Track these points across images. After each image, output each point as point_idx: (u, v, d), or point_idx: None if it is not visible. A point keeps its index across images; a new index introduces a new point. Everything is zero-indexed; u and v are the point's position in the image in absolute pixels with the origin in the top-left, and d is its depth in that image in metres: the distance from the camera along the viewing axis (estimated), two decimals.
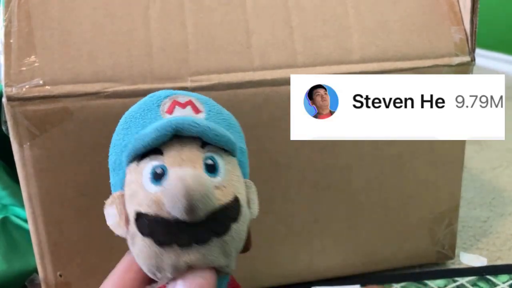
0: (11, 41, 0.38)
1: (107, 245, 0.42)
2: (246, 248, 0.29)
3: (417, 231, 0.51)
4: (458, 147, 0.49)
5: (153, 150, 0.26)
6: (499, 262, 0.54)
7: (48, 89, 0.38)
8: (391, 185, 0.48)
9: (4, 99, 0.38)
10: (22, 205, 0.49)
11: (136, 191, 0.26)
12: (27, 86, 0.38)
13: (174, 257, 0.25)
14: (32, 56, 0.38)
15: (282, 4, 0.43)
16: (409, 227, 0.50)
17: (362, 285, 0.50)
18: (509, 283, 0.50)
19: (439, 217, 0.51)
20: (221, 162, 0.27)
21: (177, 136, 0.26)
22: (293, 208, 0.47)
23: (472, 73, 0.46)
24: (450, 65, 0.46)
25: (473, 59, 0.46)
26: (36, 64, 0.38)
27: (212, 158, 0.27)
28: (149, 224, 0.25)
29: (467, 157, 0.50)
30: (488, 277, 0.51)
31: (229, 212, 0.26)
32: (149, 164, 0.26)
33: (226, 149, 0.28)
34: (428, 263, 0.53)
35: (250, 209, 0.29)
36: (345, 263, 0.50)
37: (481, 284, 0.50)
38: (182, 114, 0.28)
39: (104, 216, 0.41)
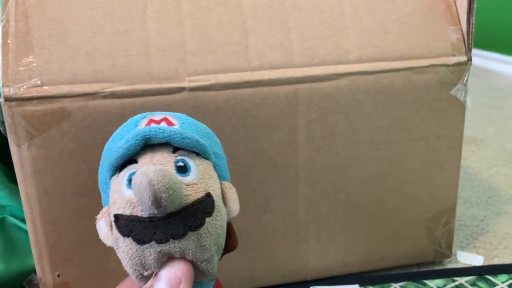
0: (9, 41, 0.38)
1: (105, 245, 0.42)
2: (232, 247, 0.30)
3: (415, 230, 0.51)
4: (454, 146, 0.49)
5: (129, 161, 0.28)
6: (496, 261, 0.55)
7: (46, 89, 0.38)
8: (388, 184, 0.48)
9: (1, 100, 0.38)
10: (20, 206, 0.49)
11: (116, 198, 0.28)
12: (25, 87, 0.38)
13: (154, 254, 0.27)
14: (30, 56, 0.38)
15: (279, 4, 0.43)
16: (406, 226, 0.51)
17: (361, 284, 0.50)
18: (508, 283, 0.50)
19: (436, 216, 0.51)
20: (193, 163, 0.28)
21: (150, 146, 0.28)
22: (290, 208, 0.47)
23: (468, 73, 0.47)
24: (447, 65, 0.46)
25: (469, 59, 0.46)
26: (34, 64, 0.38)
27: (183, 161, 0.28)
28: (126, 224, 0.27)
29: (463, 157, 0.50)
30: (487, 276, 0.51)
31: (202, 207, 0.27)
32: (126, 173, 0.28)
33: (199, 153, 0.29)
34: (426, 262, 0.54)
35: (230, 207, 0.30)
36: (342, 262, 0.50)
37: (480, 283, 0.50)
38: None
39: None
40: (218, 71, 0.41)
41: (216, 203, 0.28)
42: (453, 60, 0.46)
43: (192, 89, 0.40)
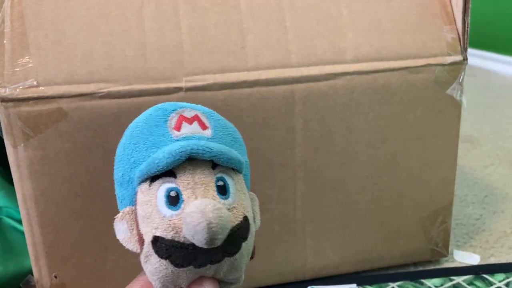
0: (5, 41, 0.38)
1: (103, 246, 0.42)
2: (250, 257, 0.30)
3: (411, 229, 0.51)
4: (451, 145, 0.49)
5: (165, 171, 0.27)
6: (492, 260, 0.55)
7: (42, 90, 0.38)
8: (385, 184, 0.49)
9: None
10: (16, 207, 0.49)
11: (151, 213, 0.27)
12: (21, 87, 0.38)
13: (190, 275, 0.27)
14: (26, 57, 0.38)
15: (276, 4, 0.43)
16: (403, 226, 0.51)
17: (358, 284, 0.50)
18: (505, 282, 0.50)
19: (433, 215, 0.51)
20: (231, 182, 0.28)
21: (189, 158, 0.27)
22: (288, 207, 0.47)
23: (464, 72, 0.47)
24: (442, 64, 0.46)
25: (465, 59, 0.47)
26: (30, 65, 0.38)
27: (222, 179, 0.28)
28: (166, 249, 0.26)
29: (459, 156, 0.50)
30: (484, 276, 0.51)
31: (240, 233, 0.27)
32: (163, 187, 0.27)
33: (234, 168, 0.29)
34: (423, 261, 0.54)
35: (255, 222, 0.30)
36: (340, 261, 0.50)
37: (477, 283, 0.50)
38: (190, 131, 0.28)
39: (99, 217, 0.41)
40: (215, 71, 0.41)
41: (250, 226, 0.28)
42: (449, 59, 0.46)
43: (189, 89, 0.40)
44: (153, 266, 0.27)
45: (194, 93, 0.41)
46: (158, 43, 0.40)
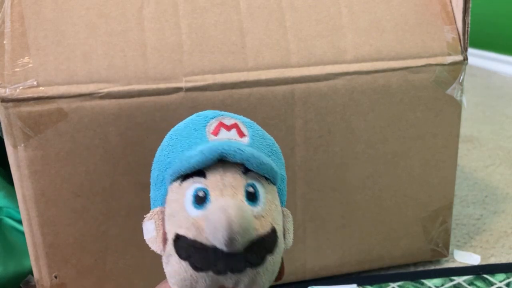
0: (5, 42, 0.38)
1: (103, 246, 0.42)
2: (278, 278, 0.29)
3: (411, 229, 0.51)
4: (451, 145, 0.49)
5: (196, 171, 0.27)
6: (493, 259, 0.55)
7: (42, 90, 0.38)
8: (385, 184, 0.49)
9: None
10: (16, 207, 0.49)
11: (177, 211, 0.27)
12: (21, 87, 0.38)
13: (208, 282, 0.26)
14: (26, 57, 0.38)
15: (276, 4, 0.43)
16: (403, 226, 0.51)
17: (358, 284, 0.50)
18: (505, 282, 0.50)
19: (433, 215, 0.51)
20: (262, 190, 0.27)
21: (221, 160, 0.27)
22: (288, 207, 0.47)
23: (464, 72, 0.47)
24: (443, 64, 0.46)
25: (465, 58, 0.47)
26: (30, 65, 0.38)
27: (253, 186, 0.27)
28: (187, 248, 0.26)
29: (460, 156, 0.50)
30: (485, 276, 0.51)
31: (266, 244, 0.26)
32: (192, 186, 0.27)
33: (268, 177, 0.28)
34: (423, 261, 0.54)
35: (286, 239, 0.29)
36: (340, 261, 0.50)
37: (477, 283, 0.50)
38: (227, 137, 0.28)
39: (99, 217, 0.41)
40: (215, 71, 0.41)
41: (278, 239, 0.27)
42: (449, 59, 0.46)
43: (189, 89, 0.40)
44: (173, 267, 0.26)
45: (194, 93, 0.41)
46: (158, 43, 0.40)
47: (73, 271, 0.42)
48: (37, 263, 0.42)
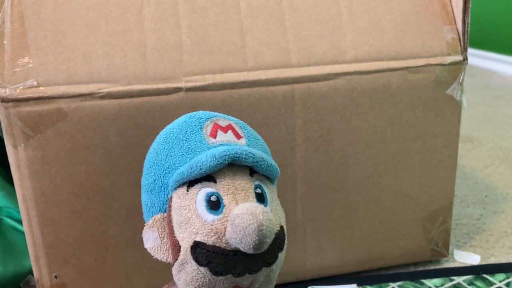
0: (5, 42, 0.38)
1: (103, 246, 0.42)
2: None
3: (411, 229, 0.51)
4: (451, 145, 0.49)
5: (204, 176, 0.27)
6: (493, 259, 0.55)
7: (42, 90, 0.38)
8: (385, 184, 0.49)
9: None
10: (16, 207, 0.49)
11: (190, 218, 0.26)
12: (21, 87, 0.38)
13: (226, 285, 0.26)
14: (26, 57, 0.38)
15: (276, 4, 0.43)
16: (403, 226, 0.51)
17: (358, 284, 0.50)
18: (505, 282, 0.50)
19: (433, 215, 0.51)
20: (267, 190, 0.28)
21: (229, 164, 0.27)
22: (287, 207, 0.46)
23: (464, 72, 0.47)
24: (442, 64, 0.46)
25: (465, 58, 0.47)
26: (30, 65, 0.38)
27: (260, 187, 0.28)
28: (207, 255, 0.26)
29: (460, 156, 0.50)
30: (485, 276, 0.51)
31: (278, 242, 0.27)
32: (202, 191, 0.27)
33: (269, 177, 0.29)
34: (423, 261, 0.54)
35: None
36: (340, 261, 0.50)
37: (477, 283, 0.50)
38: (226, 139, 0.29)
39: (99, 217, 0.41)
40: (214, 71, 0.41)
41: (286, 236, 0.28)
42: (449, 59, 0.46)
43: (189, 89, 0.40)
44: (189, 275, 0.26)
45: (194, 93, 0.41)
46: (158, 43, 0.40)
47: (73, 271, 0.42)
48: (37, 263, 0.42)
